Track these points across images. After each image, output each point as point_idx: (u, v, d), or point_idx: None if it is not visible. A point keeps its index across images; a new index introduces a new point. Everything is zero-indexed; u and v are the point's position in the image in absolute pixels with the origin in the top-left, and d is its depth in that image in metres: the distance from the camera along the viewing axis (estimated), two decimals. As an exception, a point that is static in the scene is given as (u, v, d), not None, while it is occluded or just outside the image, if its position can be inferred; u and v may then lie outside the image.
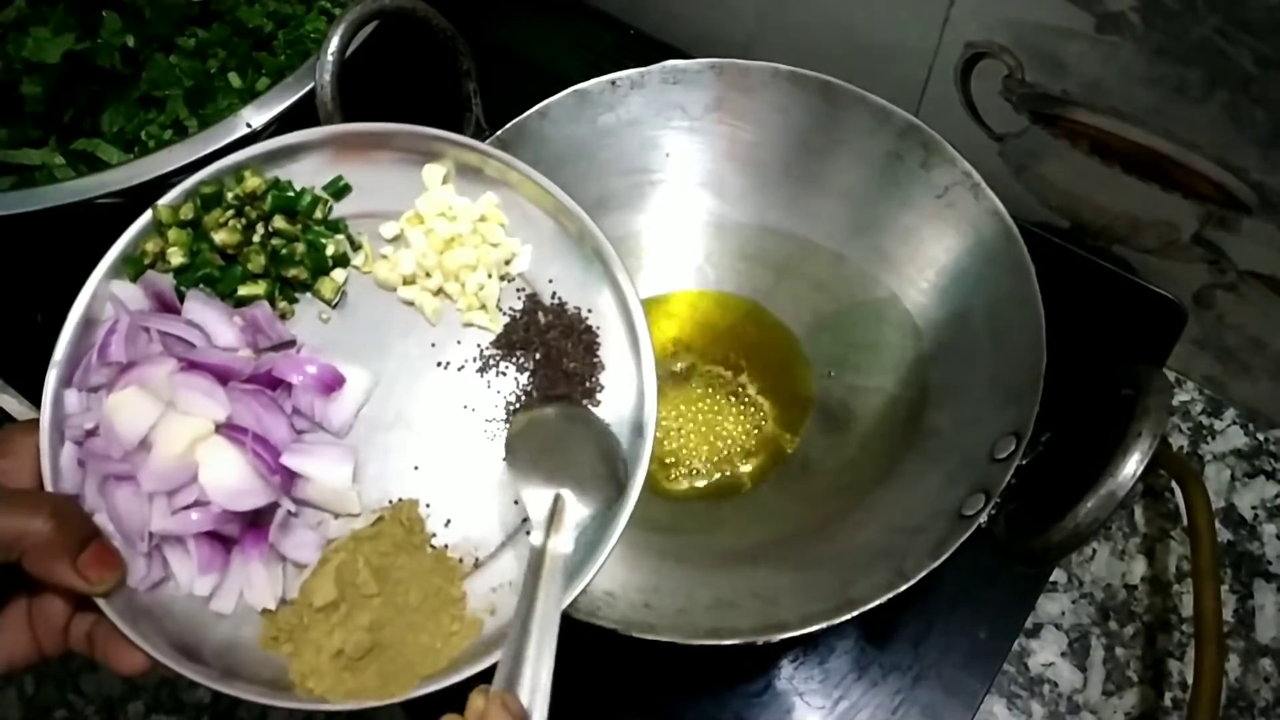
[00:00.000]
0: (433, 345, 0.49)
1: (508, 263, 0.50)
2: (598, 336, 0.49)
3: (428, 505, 0.46)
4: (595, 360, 0.48)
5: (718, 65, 0.64)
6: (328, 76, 0.57)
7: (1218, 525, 0.65)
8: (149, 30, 0.70)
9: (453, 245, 0.50)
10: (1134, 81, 0.59)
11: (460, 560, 0.45)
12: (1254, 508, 0.67)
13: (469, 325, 0.50)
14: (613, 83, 0.64)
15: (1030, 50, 0.62)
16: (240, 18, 0.71)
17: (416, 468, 0.47)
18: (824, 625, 0.48)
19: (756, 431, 0.64)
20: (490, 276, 0.50)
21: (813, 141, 0.64)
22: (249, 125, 0.60)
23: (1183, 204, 0.62)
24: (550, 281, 0.50)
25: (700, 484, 0.63)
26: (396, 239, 0.51)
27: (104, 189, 0.59)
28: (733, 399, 0.65)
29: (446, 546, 0.45)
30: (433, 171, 0.51)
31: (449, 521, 0.46)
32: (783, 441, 0.63)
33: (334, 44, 0.57)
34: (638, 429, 0.46)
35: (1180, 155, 0.60)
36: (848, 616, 0.48)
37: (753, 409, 0.64)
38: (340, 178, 0.51)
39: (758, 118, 0.65)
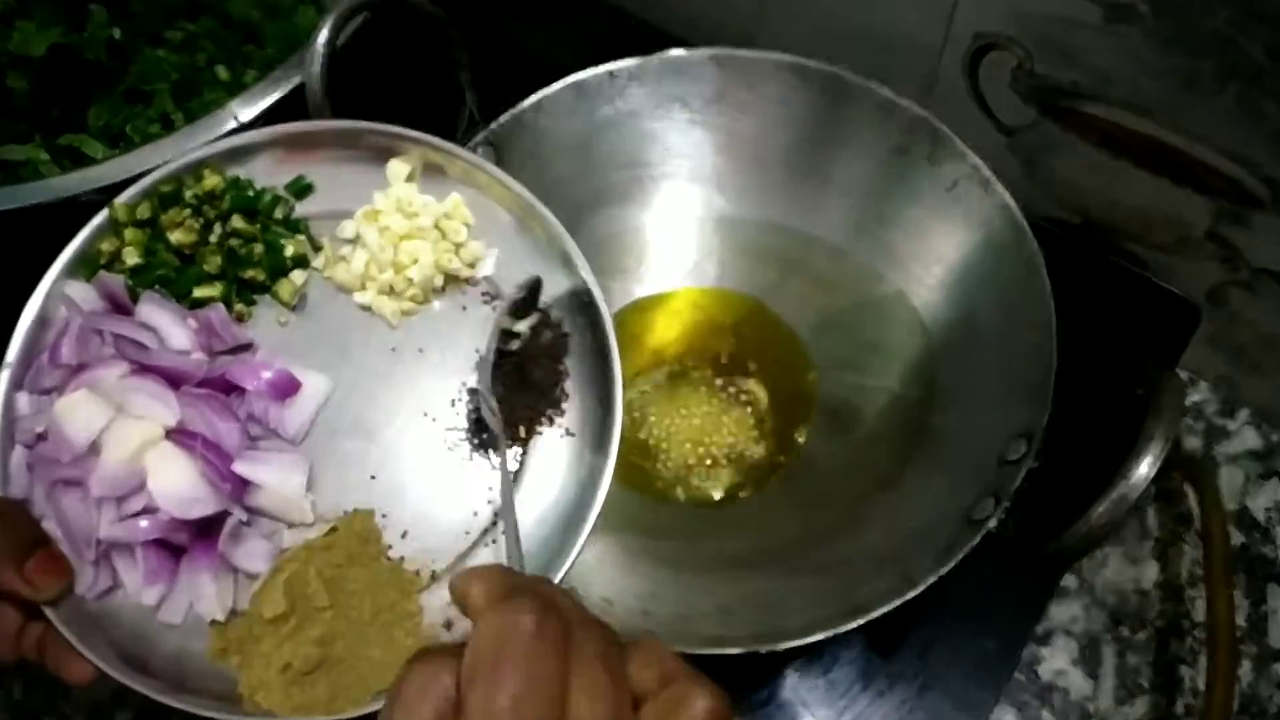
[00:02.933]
0: (393, 350, 0.48)
1: (472, 266, 0.50)
2: (567, 340, 0.48)
3: (384, 516, 0.45)
4: (561, 368, 0.48)
5: (719, 56, 0.63)
6: (317, 69, 0.56)
7: (1231, 528, 0.64)
8: (136, 23, 0.69)
9: (408, 240, 0.49)
10: (1144, 73, 0.58)
11: (416, 573, 0.44)
12: (1268, 510, 0.66)
13: (408, 315, 0.49)
14: (611, 74, 0.63)
15: (1039, 41, 0.61)
16: (229, 10, 0.70)
17: (373, 477, 0.46)
18: (828, 633, 0.47)
19: (758, 433, 0.63)
20: (438, 273, 0.49)
21: (817, 135, 0.64)
22: (237, 119, 0.59)
23: (1195, 199, 0.62)
24: (517, 287, 0.49)
25: (701, 487, 0.62)
26: (356, 239, 0.50)
27: (89, 185, 0.58)
28: (734, 399, 0.64)
29: (403, 559, 0.44)
30: (397, 167, 0.50)
31: (406, 533, 0.45)
32: (786, 443, 0.63)
33: (324, 36, 0.56)
34: (600, 443, 0.46)
35: (1191, 149, 0.60)
36: (853, 624, 0.47)
37: (755, 410, 0.64)
38: (302, 176, 0.50)
39: (760, 110, 0.64)
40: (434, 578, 0.44)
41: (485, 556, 0.44)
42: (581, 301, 0.48)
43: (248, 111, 0.59)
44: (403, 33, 0.63)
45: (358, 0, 0.57)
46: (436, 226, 0.49)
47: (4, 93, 0.66)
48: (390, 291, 0.49)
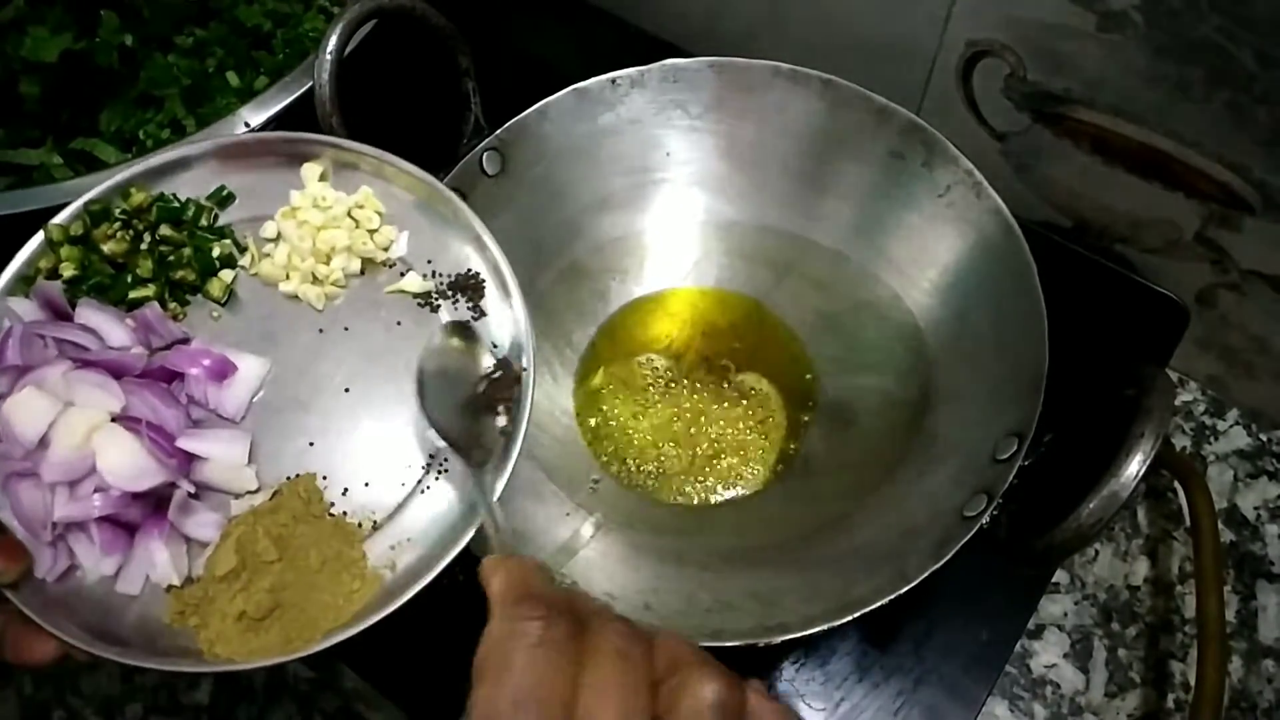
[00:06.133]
0: (321, 331, 0.51)
1: (386, 249, 0.53)
2: (483, 283, 0.51)
3: (324, 478, 0.48)
4: (480, 305, 0.51)
5: (718, 64, 0.64)
6: (326, 75, 0.57)
7: (1220, 526, 0.64)
8: (147, 29, 0.70)
9: (325, 230, 0.52)
10: (1136, 80, 0.59)
11: (359, 524, 0.46)
12: (1256, 508, 0.67)
13: (331, 299, 0.52)
14: (613, 81, 0.64)
15: (1032, 48, 0.61)
16: (238, 16, 0.71)
17: (312, 444, 0.48)
18: (825, 627, 0.48)
19: (757, 432, 0.64)
20: (353, 258, 0.52)
21: (814, 140, 0.64)
22: (247, 124, 0.60)
23: (1185, 203, 0.62)
24: (429, 262, 0.52)
25: (701, 485, 0.62)
26: (277, 237, 0.53)
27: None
28: (733, 399, 0.65)
29: (345, 513, 0.47)
30: (310, 169, 0.54)
31: (346, 490, 0.47)
32: (784, 442, 0.63)
33: (332, 43, 0.56)
34: (518, 351, 0.49)
35: (1182, 154, 0.60)
36: (849, 618, 0.48)
37: (753, 409, 0.64)
38: (223, 187, 0.54)
39: (758, 116, 0.65)
40: (375, 527, 0.46)
41: (420, 504, 0.47)
42: (485, 258, 0.52)
43: (258, 117, 0.60)
44: (410, 40, 0.63)
45: (366, 8, 0.58)
46: (350, 216, 0.53)
47: (17, 98, 0.67)
48: (313, 279, 0.52)
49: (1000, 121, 0.67)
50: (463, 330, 0.49)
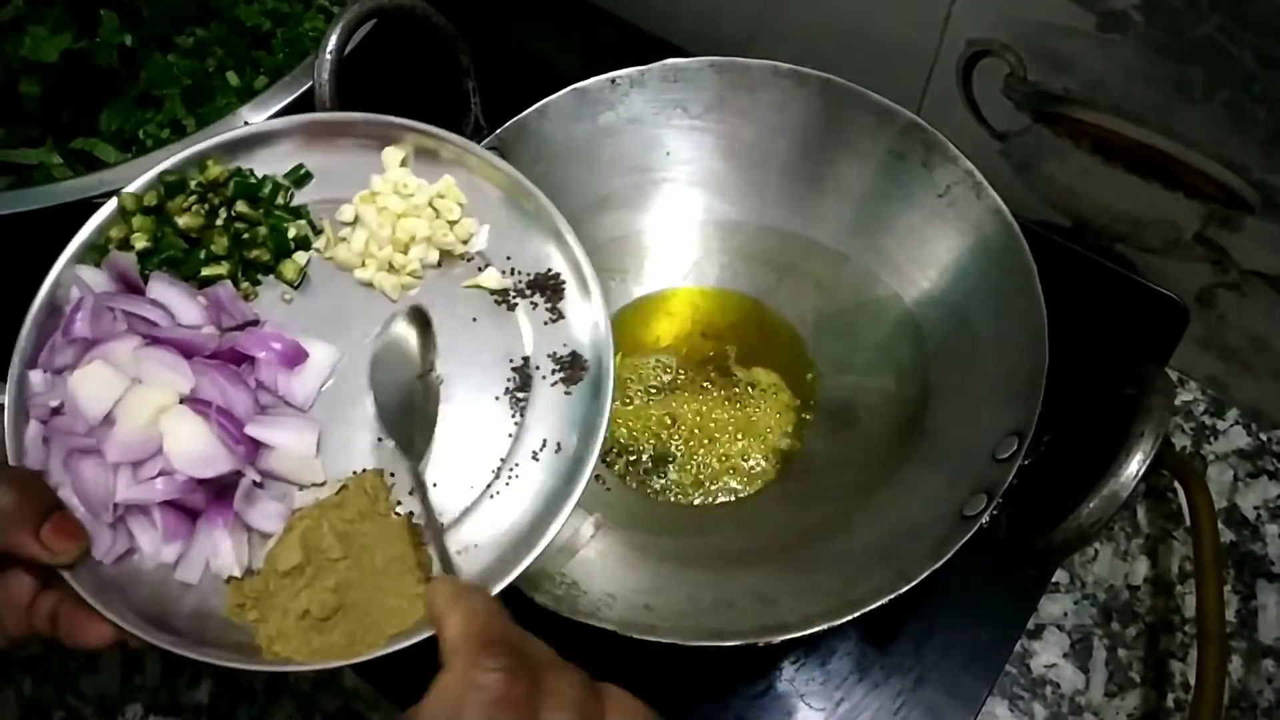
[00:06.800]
0: None
1: (465, 242, 0.51)
2: (563, 284, 0.50)
3: (391, 475, 0.46)
4: (559, 307, 0.50)
5: (718, 64, 0.64)
6: (326, 75, 0.57)
7: (1220, 525, 0.64)
8: (147, 29, 0.70)
9: (405, 218, 0.50)
10: (1136, 80, 0.59)
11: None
12: (1256, 508, 0.67)
13: (407, 289, 0.51)
14: (613, 81, 0.64)
15: (1032, 48, 0.61)
16: (238, 16, 0.71)
17: (380, 440, 0.47)
18: (825, 626, 0.48)
19: (756, 432, 0.64)
20: (432, 249, 0.51)
21: (814, 140, 0.64)
22: (247, 124, 0.60)
23: (1185, 203, 0.62)
24: (508, 258, 0.51)
25: (701, 485, 0.62)
26: (355, 222, 0.52)
27: (102, 188, 0.58)
28: (733, 399, 0.65)
29: (411, 514, 0.45)
30: (391, 154, 0.52)
31: (412, 490, 0.46)
32: (784, 442, 0.63)
33: (332, 42, 0.57)
34: (598, 355, 0.48)
35: (1182, 154, 0.60)
36: (849, 618, 0.48)
37: (753, 409, 0.64)
38: (301, 165, 0.52)
39: (758, 116, 0.65)
40: (443, 529, 0.45)
41: (489, 509, 0.45)
42: (568, 257, 0.50)
43: (257, 117, 0.60)
44: (410, 40, 0.63)
45: (366, 8, 0.58)
46: (431, 205, 0.51)
47: (17, 98, 0.67)
48: (389, 268, 0.51)
49: (1000, 121, 0.67)
50: (419, 319, 0.47)
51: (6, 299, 0.66)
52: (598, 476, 0.62)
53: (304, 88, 0.61)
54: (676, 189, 0.68)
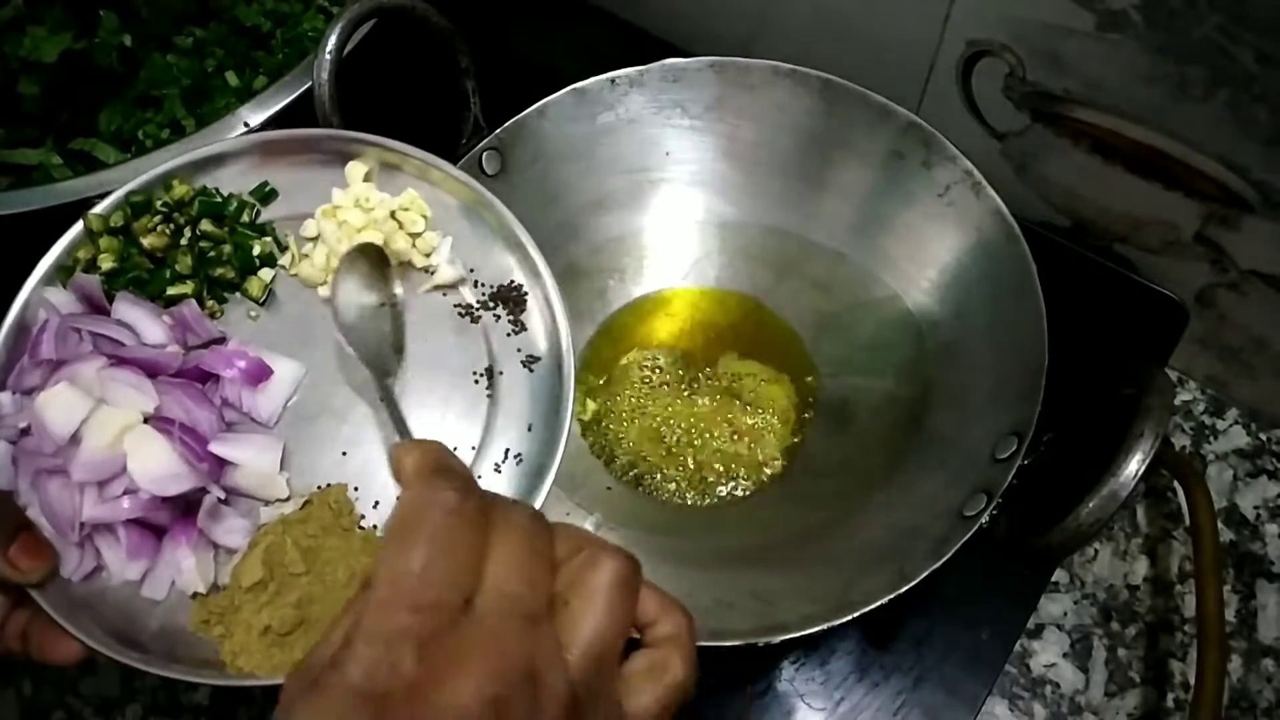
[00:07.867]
0: None
1: (428, 255, 0.52)
2: (525, 295, 0.51)
3: (355, 489, 0.47)
4: (521, 319, 0.51)
5: (718, 63, 0.64)
6: (325, 75, 0.56)
7: (1220, 525, 0.64)
8: (147, 29, 0.70)
9: (364, 232, 0.51)
10: (1135, 80, 0.58)
11: None
12: (1256, 508, 0.66)
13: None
14: (612, 81, 0.64)
15: (1031, 48, 0.61)
16: (238, 16, 0.71)
17: (345, 454, 0.48)
18: (825, 626, 0.48)
19: (756, 432, 0.64)
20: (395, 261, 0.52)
21: (813, 140, 0.64)
22: (246, 124, 0.60)
23: (1184, 203, 0.62)
24: (471, 271, 0.52)
25: (700, 484, 0.62)
26: (317, 237, 0.52)
27: (101, 188, 0.58)
28: (733, 399, 0.65)
29: (375, 527, 0.46)
30: (355, 168, 0.53)
31: (377, 503, 0.47)
32: (783, 442, 0.63)
33: (332, 42, 0.56)
34: (557, 362, 0.49)
35: (1182, 154, 0.60)
36: (849, 618, 0.48)
37: (753, 409, 0.64)
38: (266, 183, 0.53)
39: (758, 116, 0.65)
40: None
41: None
42: (530, 272, 0.51)
43: (257, 117, 0.60)
44: (409, 40, 0.63)
45: (365, 8, 0.58)
46: (394, 218, 0.52)
47: (16, 98, 0.67)
48: None
49: (1000, 121, 0.67)
50: (372, 252, 0.48)
51: (7, 300, 0.66)
52: (594, 479, 0.62)
53: (303, 88, 0.61)
54: (676, 189, 0.68)
